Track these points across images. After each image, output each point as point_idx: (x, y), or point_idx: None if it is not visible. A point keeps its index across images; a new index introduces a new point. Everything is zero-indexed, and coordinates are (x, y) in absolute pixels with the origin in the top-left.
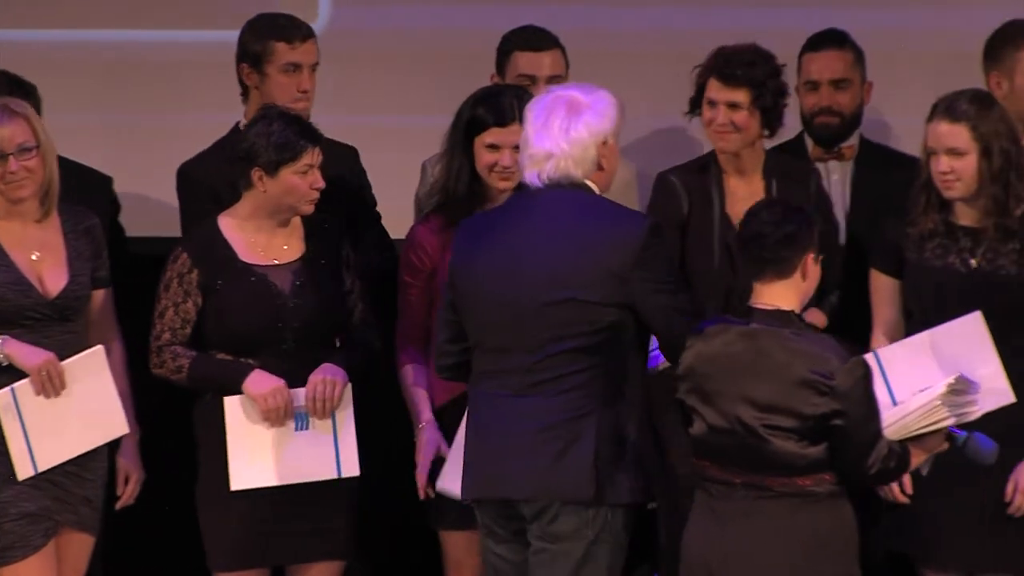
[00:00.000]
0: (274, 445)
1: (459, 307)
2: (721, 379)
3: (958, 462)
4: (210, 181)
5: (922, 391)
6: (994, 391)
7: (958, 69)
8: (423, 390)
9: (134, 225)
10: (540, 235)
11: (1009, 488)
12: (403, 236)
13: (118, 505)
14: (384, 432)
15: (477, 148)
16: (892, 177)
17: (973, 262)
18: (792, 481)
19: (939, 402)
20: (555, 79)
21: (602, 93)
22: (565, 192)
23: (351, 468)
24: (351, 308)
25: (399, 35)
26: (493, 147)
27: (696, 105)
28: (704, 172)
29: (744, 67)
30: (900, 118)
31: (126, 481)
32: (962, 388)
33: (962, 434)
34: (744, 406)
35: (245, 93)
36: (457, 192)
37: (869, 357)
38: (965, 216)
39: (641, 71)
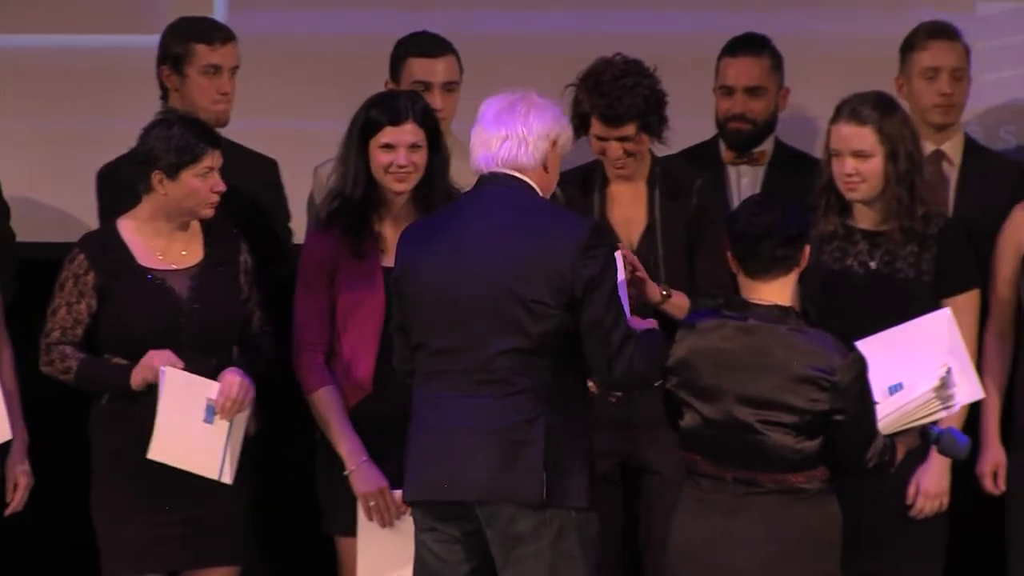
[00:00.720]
0: (189, 429)
1: (404, 308)
2: (717, 374)
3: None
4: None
5: (892, 387)
6: (966, 386)
7: (871, 73)
8: (347, 423)
9: (48, 231)
10: (483, 234)
11: (911, 491)
12: (298, 240)
13: (7, 512)
14: (282, 436)
15: (372, 150)
16: (804, 180)
17: (872, 264)
18: (784, 477)
19: (933, 395)
20: (449, 85)
21: (558, 108)
22: (509, 191)
23: (228, 476)
24: (248, 315)
25: (294, 40)
26: (388, 147)
27: (582, 128)
28: (588, 178)
29: (626, 99)
30: (814, 121)
31: (15, 487)
32: (949, 381)
33: (937, 430)
34: (741, 401)
35: (165, 96)
36: (354, 197)
37: None
38: (864, 219)
39: (548, 76)
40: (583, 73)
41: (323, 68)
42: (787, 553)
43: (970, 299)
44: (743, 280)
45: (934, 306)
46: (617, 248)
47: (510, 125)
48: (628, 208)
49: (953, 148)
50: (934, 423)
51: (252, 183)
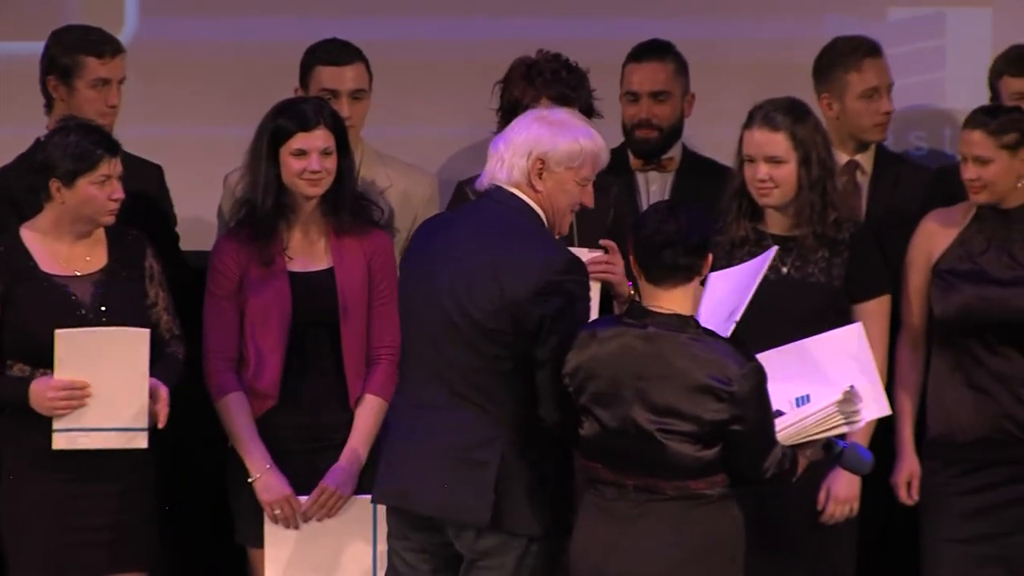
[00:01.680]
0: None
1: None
2: (617, 381)
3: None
4: (10, 193)
5: (799, 399)
6: (873, 402)
7: (780, 79)
8: (253, 431)
9: None
10: (461, 250)
11: (821, 497)
12: (206, 247)
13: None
14: (195, 444)
15: (283, 157)
16: (713, 186)
17: (784, 269)
18: (685, 484)
19: (834, 409)
20: (357, 93)
21: (581, 127)
22: (500, 207)
23: (143, 439)
24: (156, 320)
25: (205, 47)
26: (300, 153)
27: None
28: None
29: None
30: (723, 127)
31: None
32: (853, 397)
33: (842, 444)
34: (641, 409)
35: (49, 105)
36: (264, 205)
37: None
38: (775, 224)
39: (459, 82)
40: (515, 66)
41: (233, 75)
42: (690, 559)
43: (881, 305)
44: (645, 287)
45: (845, 311)
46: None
47: (497, 143)
48: None
49: (866, 158)
50: (839, 437)
51: (137, 189)
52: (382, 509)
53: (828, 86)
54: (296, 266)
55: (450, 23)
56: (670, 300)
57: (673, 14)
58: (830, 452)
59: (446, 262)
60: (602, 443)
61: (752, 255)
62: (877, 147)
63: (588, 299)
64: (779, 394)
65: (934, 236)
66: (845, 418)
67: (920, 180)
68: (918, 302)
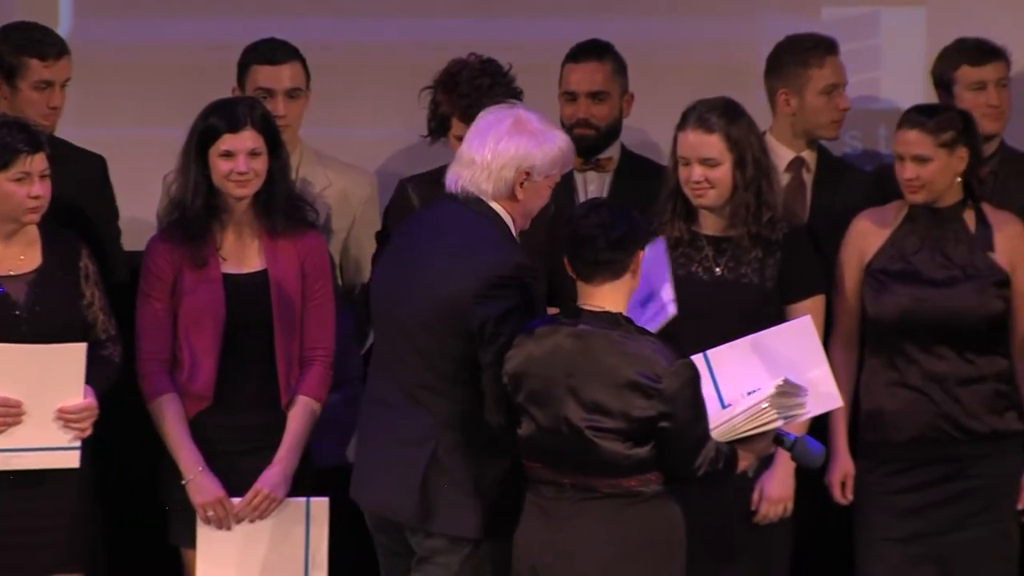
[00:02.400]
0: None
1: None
2: (550, 380)
3: None
4: None
5: (750, 393)
6: (823, 395)
7: (719, 79)
8: (186, 433)
9: None
10: (426, 252)
11: (755, 496)
12: (128, 242)
13: None
14: (129, 446)
15: (212, 159)
16: (651, 187)
17: (717, 270)
18: (618, 482)
19: (766, 404)
20: (294, 92)
21: (556, 132)
22: (467, 211)
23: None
24: (92, 320)
25: (142, 47)
26: (227, 154)
27: (440, 130)
28: (443, 179)
29: (485, 99)
30: (662, 127)
31: None
32: (790, 391)
33: (791, 437)
34: (572, 407)
35: None
36: (194, 206)
37: (698, 358)
38: (709, 225)
39: (398, 83)
40: (439, 75)
41: (168, 75)
42: (625, 557)
43: (815, 304)
44: (579, 285)
45: (779, 311)
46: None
47: (479, 150)
48: None
49: (811, 156)
50: (787, 431)
51: (78, 182)
52: (316, 511)
53: (786, 81)
54: (229, 268)
55: (388, 24)
56: (601, 297)
57: (612, 15)
58: (781, 445)
59: (412, 265)
60: (538, 442)
61: (686, 256)
62: (819, 149)
63: (537, 302)
64: (731, 389)
65: (867, 236)
66: (780, 412)
67: (859, 183)
68: (851, 302)
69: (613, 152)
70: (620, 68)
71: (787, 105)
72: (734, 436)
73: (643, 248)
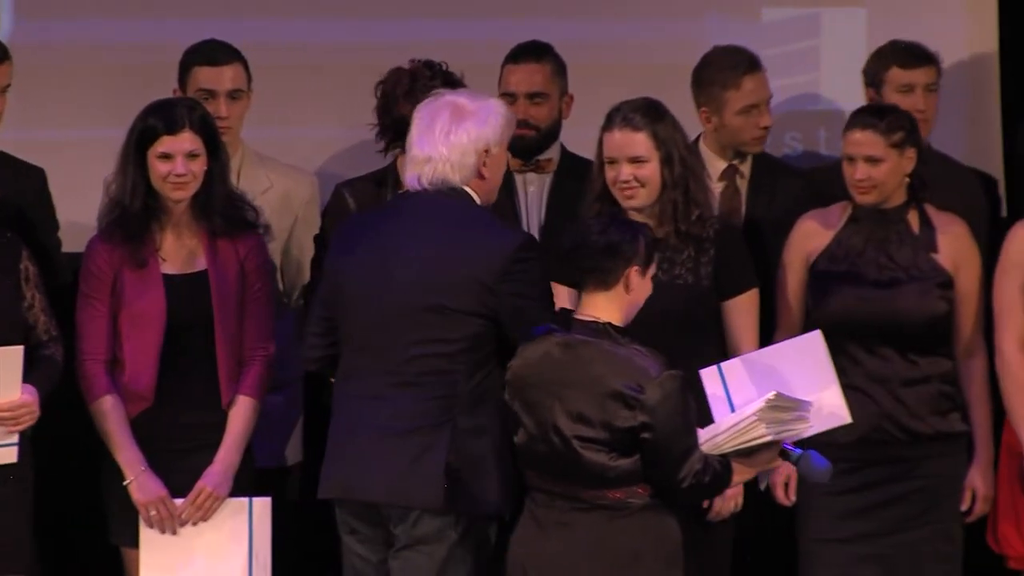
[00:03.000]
0: None
1: (332, 304)
2: (540, 388)
3: None
4: None
5: (741, 408)
6: (830, 410)
7: (658, 80)
8: (127, 433)
9: None
10: (413, 239)
11: None
12: (68, 250)
13: None
14: (70, 445)
15: (150, 160)
16: None
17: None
18: (603, 493)
19: (755, 418)
20: (235, 93)
21: (490, 102)
22: (443, 198)
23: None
24: (33, 322)
25: (83, 49)
26: (165, 156)
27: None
28: (381, 184)
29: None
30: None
31: None
32: (785, 405)
33: (797, 451)
34: (559, 416)
35: None
36: (133, 207)
37: (713, 371)
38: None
39: (339, 84)
40: (393, 86)
41: (108, 76)
42: (614, 569)
43: (750, 299)
44: (579, 293)
45: (715, 309)
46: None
47: (432, 146)
48: None
49: (744, 163)
50: (797, 444)
51: (18, 192)
52: (258, 510)
53: (706, 100)
54: (169, 268)
55: (329, 25)
56: (594, 307)
57: (552, 16)
58: (787, 459)
59: (399, 253)
60: (530, 449)
61: None
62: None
63: (548, 278)
64: (744, 402)
65: (811, 237)
66: (771, 427)
67: (795, 185)
68: (795, 303)
69: (553, 153)
70: (560, 69)
71: (708, 122)
72: (723, 451)
73: (635, 264)
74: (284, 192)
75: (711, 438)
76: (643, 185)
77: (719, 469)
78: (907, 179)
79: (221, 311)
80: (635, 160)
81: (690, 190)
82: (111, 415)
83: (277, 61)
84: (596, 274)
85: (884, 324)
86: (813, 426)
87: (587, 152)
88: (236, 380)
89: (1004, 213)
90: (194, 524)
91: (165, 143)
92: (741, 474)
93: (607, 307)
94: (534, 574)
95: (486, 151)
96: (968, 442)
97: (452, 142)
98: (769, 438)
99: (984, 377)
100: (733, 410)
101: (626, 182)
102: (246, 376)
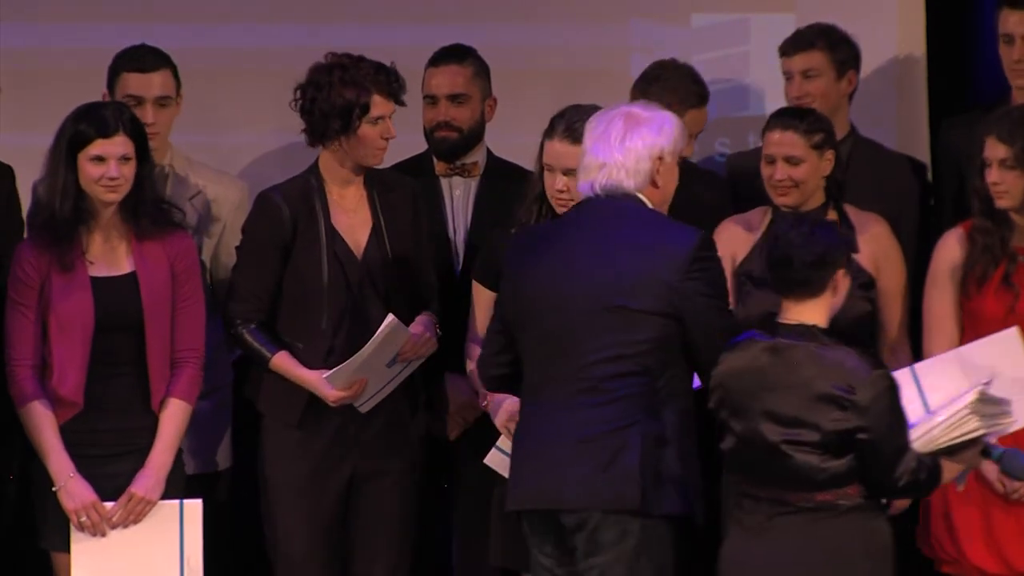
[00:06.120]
0: None
1: (510, 319)
2: (747, 393)
3: None
4: None
5: (952, 402)
6: None
7: (585, 85)
8: (56, 439)
9: None
10: (591, 244)
11: None
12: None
13: None
14: None
15: (82, 163)
16: (516, 192)
17: None
18: (811, 496)
19: (968, 411)
20: (163, 100)
21: (664, 111)
22: (618, 203)
23: None
24: None
25: (10, 53)
26: (99, 159)
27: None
28: (306, 186)
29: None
30: (530, 133)
31: None
32: (992, 399)
33: (999, 449)
34: (767, 420)
35: None
36: (63, 210)
37: (905, 372)
38: None
39: (268, 89)
40: (327, 70)
41: (39, 80)
42: (821, 571)
43: None
44: (782, 300)
45: None
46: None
47: (607, 152)
48: (352, 212)
49: None
50: (995, 444)
51: None
52: (189, 514)
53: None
54: (97, 271)
55: (258, 30)
56: (799, 312)
57: (478, 20)
58: (988, 456)
59: (579, 259)
60: (737, 455)
61: None
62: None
63: (725, 277)
64: (938, 402)
65: (735, 240)
66: (983, 421)
67: (713, 186)
68: None
69: (479, 157)
70: (482, 71)
71: None
72: (936, 447)
73: (843, 266)
74: (213, 197)
75: (926, 432)
76: (574, 198)
77: (932, 466)
78: (824, 181)
79: (151, 312)
80: (570, 172)
81: None
82: (40, 421)
83: (207, 65)
84: (806, 286)
85: None
86: (1017, 420)
87: (513, 156)
88: (167, 382)
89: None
90: (125, 528)
91: (99, 146)
92: (949, 471)
93: (813, 311)
94: None
95: (660, 158)
96: None
97: (627, 147)
98: (982, 431)
99: None
100: (928, 410)
101: (560, 191)
102: (177, 378)
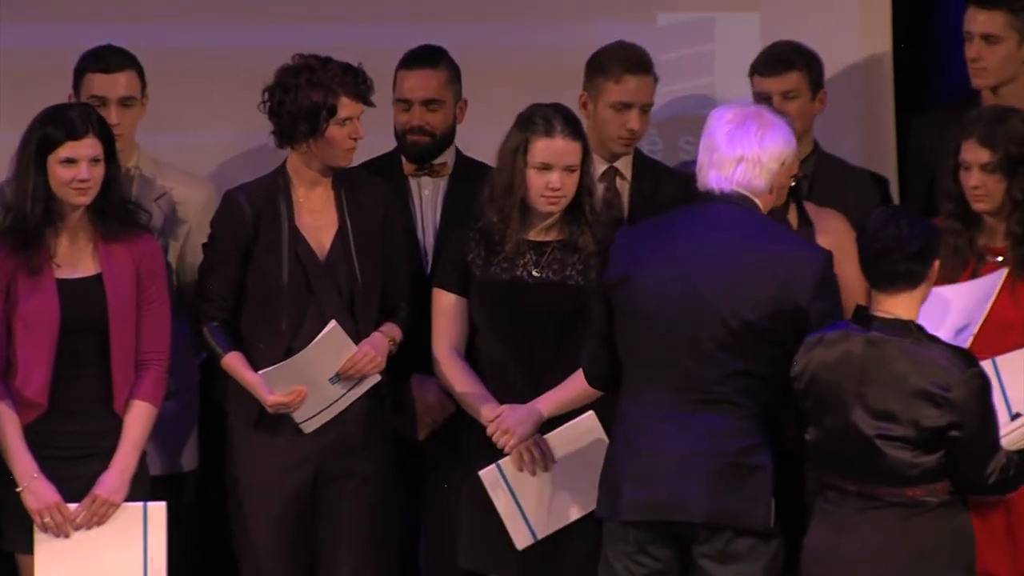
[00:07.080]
0: None
1: (621, 316)
2: (839, 387)
3: None
4: None
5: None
6: None
7: (550, 84)
8: (20, 440)
9: None
10: (715, 255)
11: None
12: None
13: None
14: None
15: (51, 166)
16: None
17: (535, 272)
18: (902, 491)
19: None
20: (127, 100)
21: (785, 120)
22: (739, 209)
23: None
24: None
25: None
26: (69, 161)
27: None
28: (272, 186)
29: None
30: (496, 132)
31: None
32: None
33: None
34: (861, 414)
35: None
36: (34, 214)
37: (987, 364)
38: (539, 231)
39: (234, 89)
40: (295, 72)
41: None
42: (909, 568)
43: None
44: (873, 293)
45: None
46: None
47: (745, 146)
48: (318, 213)
49: (624, 164)
50: None
51: None
52: (153, 516)
53: (589, 85)
54: (63, 273)
55: (224, 30)
56: (894, 305)
57: (443, 19)
58: None
59: (703, 266)
60: (825, 448)
61: (508, 260)
62: (636, 153)
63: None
64: (1018, 396)
65: None
66: None
67: (677, 186)
68: None
69: (448, 157)
70: (455, 75)
71: (584, 108)
72: (1019, 446)
73: (939, 256)
74: (179, 198)
75: (1014, 431)
76: (566, 195)
77: (1020, 463)
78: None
79: (116, 314)
80: (570, 168)
81: (592, 195)
82: (3, 421)
83: (173, 65)
84: (909, 278)
85: None
86: None
87: (481, 155)
88: (131, 384)
89: None
90: (89, 529)
91: (68, 148)
92: None
93: (908, 304)
94: (827, 572)
95: (783, 163)
96: None
97: (765, 144)
98: None
99: None
100: (1008, 403)
101: (556, 189)
102: (142, 380)
